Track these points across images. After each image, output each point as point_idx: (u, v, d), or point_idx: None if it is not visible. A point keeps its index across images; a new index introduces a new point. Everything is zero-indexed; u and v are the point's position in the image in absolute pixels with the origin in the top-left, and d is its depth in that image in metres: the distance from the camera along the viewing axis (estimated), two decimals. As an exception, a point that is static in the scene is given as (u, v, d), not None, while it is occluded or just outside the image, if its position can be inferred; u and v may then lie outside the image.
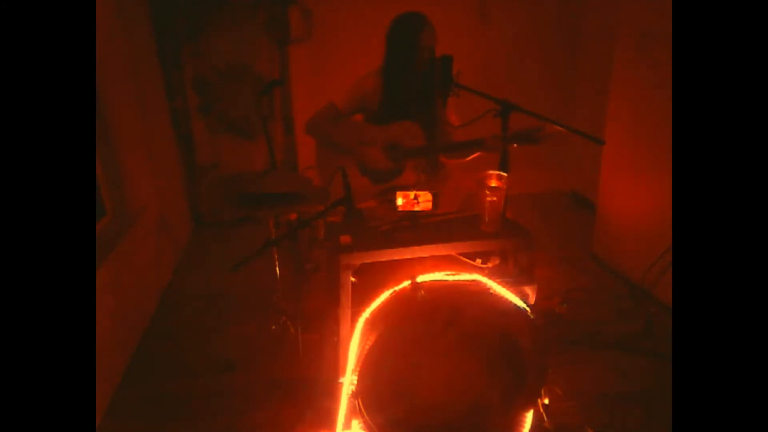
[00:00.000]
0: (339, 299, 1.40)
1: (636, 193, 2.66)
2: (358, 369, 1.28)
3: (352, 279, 1.39)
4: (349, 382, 1.34)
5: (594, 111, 3.31)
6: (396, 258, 1.39)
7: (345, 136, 2.04)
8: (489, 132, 1.71)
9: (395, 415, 1.32)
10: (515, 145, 1.61)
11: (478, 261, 1.49)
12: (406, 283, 1.35)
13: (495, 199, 1.41)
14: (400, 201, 1.49)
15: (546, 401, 1.58)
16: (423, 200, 1.48)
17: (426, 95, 2.02)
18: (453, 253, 1.45)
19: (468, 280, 1.37)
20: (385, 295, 1.37)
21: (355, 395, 1.31)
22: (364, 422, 1.33)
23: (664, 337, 2.21)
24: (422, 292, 1.28)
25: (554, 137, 1.57)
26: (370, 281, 1.43)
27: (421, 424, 1.35)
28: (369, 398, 1.30)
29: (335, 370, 1.49)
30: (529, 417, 1.48)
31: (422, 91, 2.01)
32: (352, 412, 1.39)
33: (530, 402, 1.43)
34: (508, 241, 1.46)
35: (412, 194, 1.47)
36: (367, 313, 1.38)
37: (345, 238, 1.41)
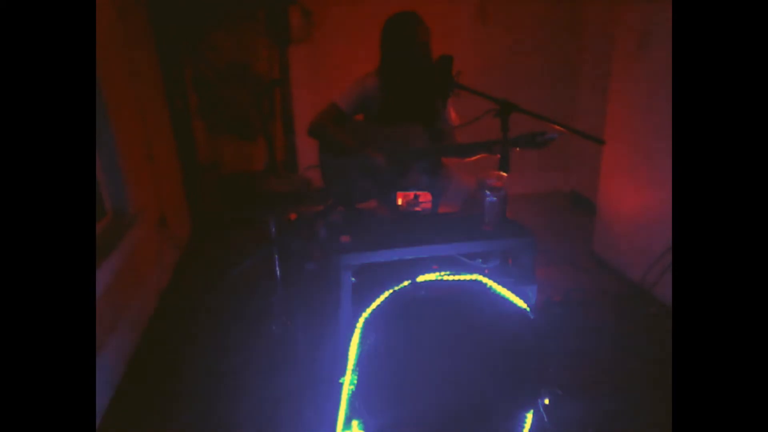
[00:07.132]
0: (339, 299, 1.40)
1: (636, 193, 2.66)
2: (358, 369, 1.28)
3: (352, 279, 1.40)
4: (349, 382, 1.34)
5: (594, 111, 3.31)
6: (396, 258, 1.40)
7: (349, 138, 2.04)
8: (490, 131, 1.72)
9: (395, 415, 1.33)
10: (517, 149, 1.62)
11: (479, 261, 1.49)
12: (406, 283, 1.35)
13: (495, 199, 1.42)
14: (400, 201, 1.49)
15: (546, 401, 1.58)
16: (423, 200, 1.48)
17: (426, 95, 2.02)
18: (453, 253, 1.45)
19: (468, 280, 1.37)
20: (385, 295, 1.37)
21: (355, 395, 1.31)
22: (364, 422, 1.33)
23: (664, 337, 2.22)
24: (422, 292, 1.28)
25: (557, 142, 1.58)
26: (370, 281, 1.43)
27: (421, 424, 1.35)
28: (369, 398, 1.30)
29: (335, 370, 1.49)
30: (529, 417, 1.48)
31: (422, 91, 2.01)
32: (352, 412, 1.39)
33: (530, 402, 1.43)
34: (509, 241, 1.46)
35: (412, 194, 1.48)
36: (367, 313, 1.38)
37: (345, 238, 1.41)
